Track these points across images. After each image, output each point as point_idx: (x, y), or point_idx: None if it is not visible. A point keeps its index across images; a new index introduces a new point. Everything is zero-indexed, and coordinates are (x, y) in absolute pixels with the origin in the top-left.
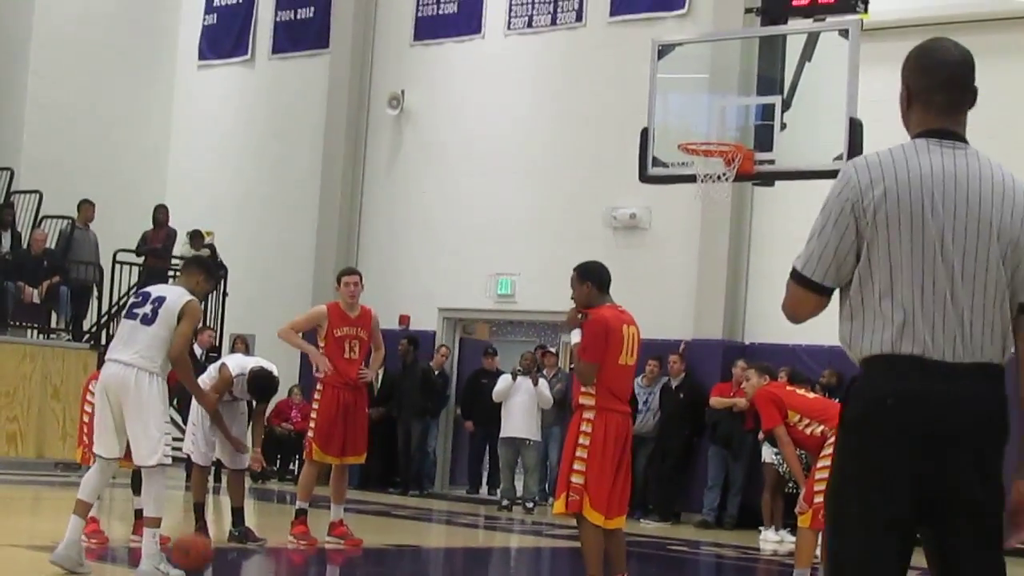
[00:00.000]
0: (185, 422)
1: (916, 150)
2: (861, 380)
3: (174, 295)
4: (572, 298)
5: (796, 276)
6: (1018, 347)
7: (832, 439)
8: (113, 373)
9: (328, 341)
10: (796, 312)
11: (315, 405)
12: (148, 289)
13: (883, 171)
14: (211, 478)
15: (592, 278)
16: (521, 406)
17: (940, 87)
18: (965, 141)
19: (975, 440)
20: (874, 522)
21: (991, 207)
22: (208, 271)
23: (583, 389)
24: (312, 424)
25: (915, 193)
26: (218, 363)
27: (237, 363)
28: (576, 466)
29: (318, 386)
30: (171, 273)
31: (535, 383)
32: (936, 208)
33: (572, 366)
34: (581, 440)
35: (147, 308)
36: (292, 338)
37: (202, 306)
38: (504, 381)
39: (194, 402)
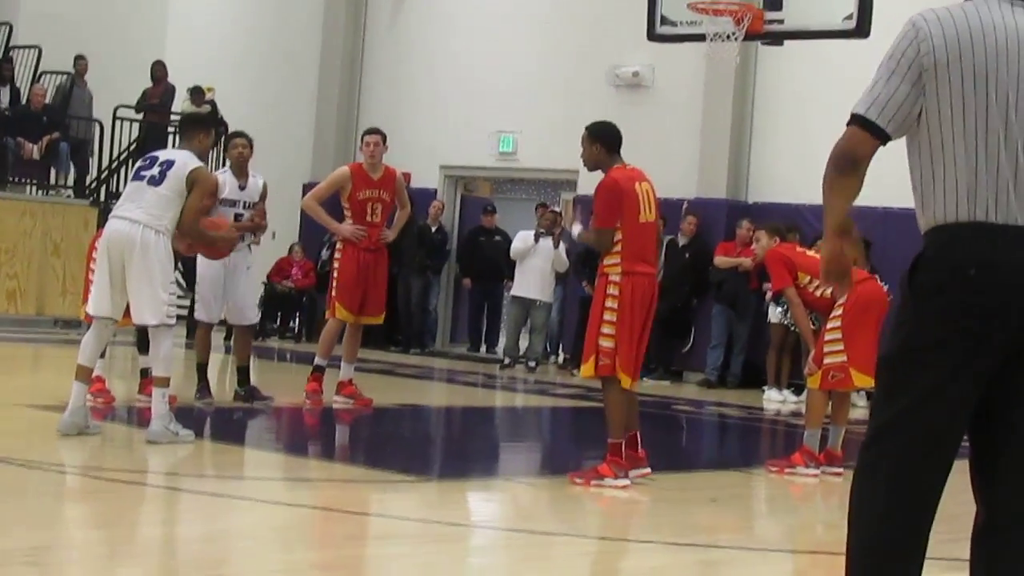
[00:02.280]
0: (190, 284)
1: (983, 8)
2: (937, 248)
3: (182, 158)
4: (581, 156)
5: (859, 120)
6: None
7: (842, 301)
8: (118, 229)
9: (351, 203)
10: (855, 154)
11: (336, 264)
12: (156, 153)
13: (956, 29)
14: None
15: (603, 138)
16: (537, 266)
17: None
18: None
19: None
20: (949, 391)
21: None
22: (206, 126)
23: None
24: (334, 283)
25: (984, 53)
26: None
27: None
28: (605, 329)
29: (339, 245)
30: (171, 130)
31: (556, 244)
32: (1003, 70)
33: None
34: (608, 303)
35: (155, 170)
36: (317, 213)
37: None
38: (524, 240)
39: (199, 261)
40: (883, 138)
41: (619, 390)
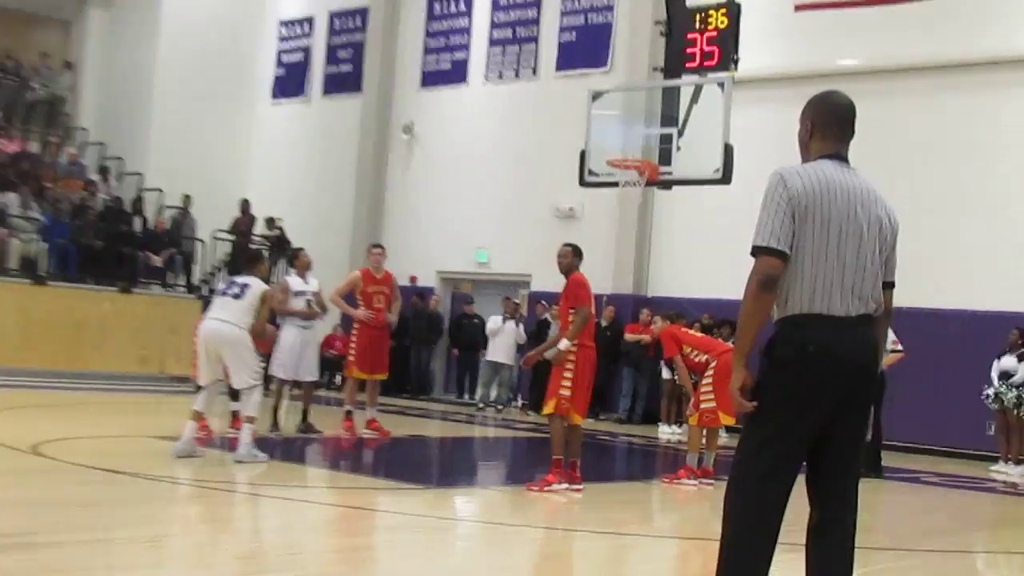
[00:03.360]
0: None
1: (826, 168)
2: (786, 332)
3: (254, 283)
4: (560, 263)
5: (765, 250)
6: (882, 309)
7: (713, 365)
8: (213, 328)
9: (363, 296)
10: (774, 275)
11: (353, 339)
12: (235, 279)
13: (811, 180)
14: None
15: (580, 255)
16: (504, 340)
17: (838, 122)
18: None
19: (869, 372)
20: (794, 430)
21: (877, 212)
22: (263, 259)
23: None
24: (352, 352)
25: (829, 198)
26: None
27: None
28: (564, 383)
29: (355, 325)
30: (251, 246)
31: (517, 325)
32: (842, 210)
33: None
34: (568, 366)
35: (236, 289)
36: (339, 303)
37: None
38: (495, 323)
39: (282, 335)
40: (786, 260)
41: (561, 422)
